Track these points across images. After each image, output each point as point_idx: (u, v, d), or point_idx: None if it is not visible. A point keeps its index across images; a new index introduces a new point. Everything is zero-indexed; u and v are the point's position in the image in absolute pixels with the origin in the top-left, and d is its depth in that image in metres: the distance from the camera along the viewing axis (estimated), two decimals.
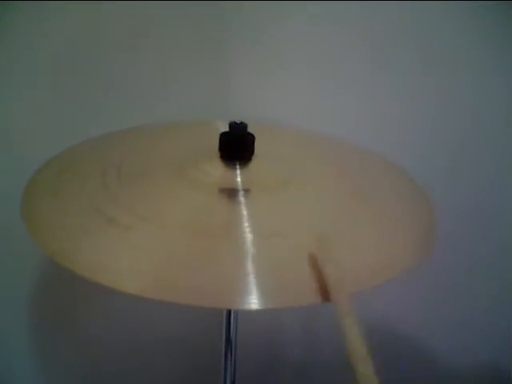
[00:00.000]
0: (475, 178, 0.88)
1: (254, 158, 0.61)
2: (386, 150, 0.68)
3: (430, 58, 0.81)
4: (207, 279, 0.46)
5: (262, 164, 0.61)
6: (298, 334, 1.05)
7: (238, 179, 0.58)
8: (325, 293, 0.44)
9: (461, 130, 0.84)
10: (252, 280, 0.46)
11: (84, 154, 0.66)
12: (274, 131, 0.71)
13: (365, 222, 0.56)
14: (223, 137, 0.60)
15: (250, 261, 0.48)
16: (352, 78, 0.83)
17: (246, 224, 0.52)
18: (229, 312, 0.66)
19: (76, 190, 0.57)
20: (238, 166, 0.59)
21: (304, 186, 0.61)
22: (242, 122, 0.60)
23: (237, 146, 0.60)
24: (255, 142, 0.60)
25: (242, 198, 0.56)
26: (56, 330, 0.93)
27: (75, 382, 0.98)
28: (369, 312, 0.94)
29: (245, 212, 0.54)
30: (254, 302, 0.44)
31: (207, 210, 0.54)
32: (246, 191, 0.57)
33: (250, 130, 0.60)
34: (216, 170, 0.60)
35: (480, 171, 0.87)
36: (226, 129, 0.60)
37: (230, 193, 0.57)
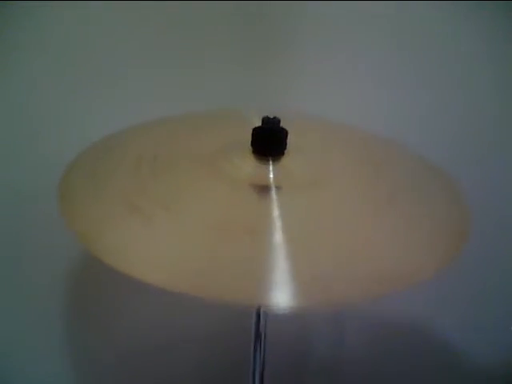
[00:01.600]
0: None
1: (286, 153, 0.60)
2: (421, 145, 0.67)
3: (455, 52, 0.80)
4: (234, 275, 0.45)
5: (295, 160, 0.60)
6: (326, 333, 1.04)
7: (271, 175, 0.57)
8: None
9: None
10: (282, 278, 0.45)
11: (122, 142, 0.66)
12: (307, 126, 0.70)
13: (393, 227, 0.54)
14: (256, 131, 0.59)
15: (280, 258, 0.47)
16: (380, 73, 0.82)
17: (278, 223, 0.51)
18: (258, 309, 0.65)
19: (110, 177, 0.58)
20: (270, 162, 0.58)
21: (335, 186, 0.59)
22: (275, 117, 0.59)
23: (270, 141, 0.59)
24: (288, 137, 0.59)
25: (274, 196, 0.55)
26: (83, 325, 0.94)
27: (101, 378, 0.99)
28: (398, 311, 0.94)
29: (276, 210, 0.53)
30: (283, 302, 0.44)
31: (239, 205, 0.54)
32: (278, 188, 0.56)
33: (283, 124, 0.59)
34: (248, 165, 0.59)
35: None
36: (259, 120, 0.59)
37: (262, 189, 0.56)
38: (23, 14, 0.72)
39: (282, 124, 0.59)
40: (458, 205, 0.59)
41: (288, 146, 0.60)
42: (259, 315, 0.65)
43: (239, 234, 0.50)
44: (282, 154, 0.59)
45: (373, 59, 0.83)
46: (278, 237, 0.49)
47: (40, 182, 0.73)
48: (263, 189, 0.56)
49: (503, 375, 0.95)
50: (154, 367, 1.01)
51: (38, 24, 0.74)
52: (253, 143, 0.59)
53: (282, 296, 0.44)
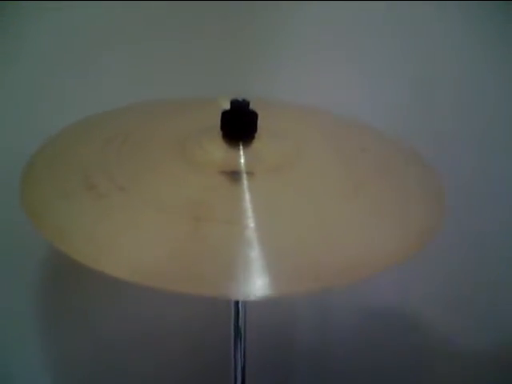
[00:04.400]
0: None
1: (256, 136, 0.58)
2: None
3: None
4: (207, 266, 0.44)
5: (265, 144, 0.58)
6: (310, 323, 1.04)
7: (242, 160, 0.55)
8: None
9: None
10: (256, 267, 0.43)
11: (93, 125, 0.65)
12: (276, 108, 0.68)
13: (363, 209, 0.52)
14: (225, 115, 0.57)
15: (254, 247, 0.45)
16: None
17: (249, 208, 0.49)
18: (236, 301, 0.63)
19: (74, 158, 0.57)
20: (240, 146, 0.56)
21: (307, 170, 0.57)
22: (244, 99, 0.57)
23: (239, 124, 0.57)
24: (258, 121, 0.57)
25: (245, 181, 0.53)
26: (66, 322, 0.93)
27: (84, 374, 0.97)
28: (374, 293, 0.93)
29: (247, 196, 0.51)
30: (258, 291, 0.42)
31: (206, 190, 0.52)
32: (249, 174, 0.54)
33: (254, 109, 0.57)
34: (218, 149, 0.57)
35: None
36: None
37: (233, 175, 0.54)
38: None
39: (254, 109, 0.57)
40: (433, 190, 0.58)
41: (259, 130, 0.58)
42: (238, 308, 0.63)
43: (204, 220, 0.48)
44: (253, 137, 0.58)
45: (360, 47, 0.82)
46: (250, 223, 0.47)
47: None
48: (234, 174, 0.54)
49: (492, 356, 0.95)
50: (134, 363, 0.99)
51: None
52: (222, 127, 0.57)
53: (256, 285, 0.43)
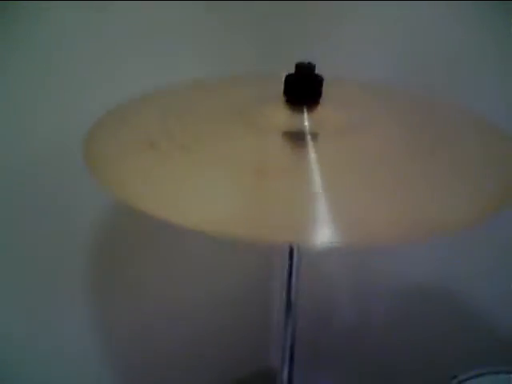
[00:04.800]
0: None
1: (321, 103, 0.56)
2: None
3: None
4: (274, 216, 0.42)
5: (331, 110, 0.56)
6: (349, 298, 1.02)
7: (306, 123, 0.54)
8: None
9: None
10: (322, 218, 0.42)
11: (158, 96, 0.65)
12: (342, 78, 0.66)
13: (434, 175, 0.49)
14: (289, 78, 0.55)
15: (320, 201, 0.43)
16: None
17: (315, 167, 0.47)
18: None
19: (136, 122, 0.58)
20: (305, 111, 0.55)
21: (374, 133, 0.55)
22: (309, 63, 0.55)
23: (303, 87, 0.55)
24: (323, 86, 0.56)
25: (309, 141, 0.51)
26: (110, 284, 0.93)
27: (124, 337, 0.97)
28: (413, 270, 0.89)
29: (313, 154, 0.50)
30: (322, 239, 0.40)
31: (271, 150, 0.51)
32: (314, 135, 0.52)
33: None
34: (281, 114, 0.55)
35: None
36: None
37: (297, 136, 0.52)
38: None
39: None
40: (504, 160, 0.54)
41: (324, 96, 0.56)
42: (292, 256, 0.61)
43: (268, 175, 0.46)
44: (317, 103, 0.56)
45: None
46: (316, 178, 0.45)
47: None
48: (297, 135, 0.52)
49: None
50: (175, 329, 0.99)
51: None
52: (285, 91, 0.56)
53: (321, 234, 0.41)
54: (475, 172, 0.50)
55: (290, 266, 0.61)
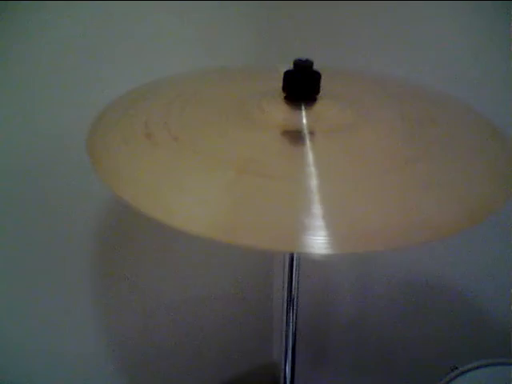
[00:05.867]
0: None
1: (319, 98, 0.56)
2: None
3: None
4: (271, 220, 0.42)
5: (329, 106, 0.56)
6: (350, 292, 1.02)
7: (304, 120, 0.54)
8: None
9: None
10: (319, 223, 0.42)
11: (159, 87, 0.65)
12: (340, 72, 0.66)
13: (430, 176, 0.49)
14: (287, 75, 0.56)
15: (317, 204, 0.43)
16: None
17: (312, 168, 0.48)
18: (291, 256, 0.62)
19: (138, 112, 0.58)
20: (302, 107, 0.55)
21: (371, 131, 0.55)
22: (307, 59, 0.55)
23: (301, 83, 0.55)
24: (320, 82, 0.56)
25: (307, 141, 0.51)
26: (112, 277, 0.93)
27: (128, 329, 0.97)
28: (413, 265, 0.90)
29: (310, 155, 0.50)
30: (321, 246, 0.40)
31: (266, 149, 0.50)
32: (311, 134, 0.52)
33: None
34: (279, 110, 0.55)
35: None
36: None
37: (295, 135, 0.52)
38: None
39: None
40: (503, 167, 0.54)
41: (321, 91, 0.56)
42: (292, 261, 0.61)
43: (275, 179, 0.46)
44: (315, 99, 0.56)
45: None
46: (312, 181, 0.45)
47: None
48: (295, 134, 0.52)
49: None
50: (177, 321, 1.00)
51: None
52: (284, 88, 0.56)
53: (317, 241, 0.41)
54: (475, 172, 0.50)
55: (291, 261, 0.62)
